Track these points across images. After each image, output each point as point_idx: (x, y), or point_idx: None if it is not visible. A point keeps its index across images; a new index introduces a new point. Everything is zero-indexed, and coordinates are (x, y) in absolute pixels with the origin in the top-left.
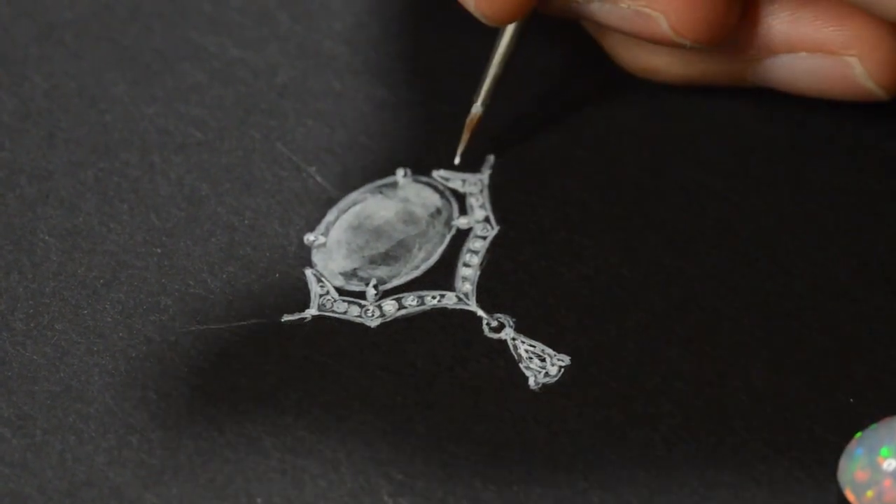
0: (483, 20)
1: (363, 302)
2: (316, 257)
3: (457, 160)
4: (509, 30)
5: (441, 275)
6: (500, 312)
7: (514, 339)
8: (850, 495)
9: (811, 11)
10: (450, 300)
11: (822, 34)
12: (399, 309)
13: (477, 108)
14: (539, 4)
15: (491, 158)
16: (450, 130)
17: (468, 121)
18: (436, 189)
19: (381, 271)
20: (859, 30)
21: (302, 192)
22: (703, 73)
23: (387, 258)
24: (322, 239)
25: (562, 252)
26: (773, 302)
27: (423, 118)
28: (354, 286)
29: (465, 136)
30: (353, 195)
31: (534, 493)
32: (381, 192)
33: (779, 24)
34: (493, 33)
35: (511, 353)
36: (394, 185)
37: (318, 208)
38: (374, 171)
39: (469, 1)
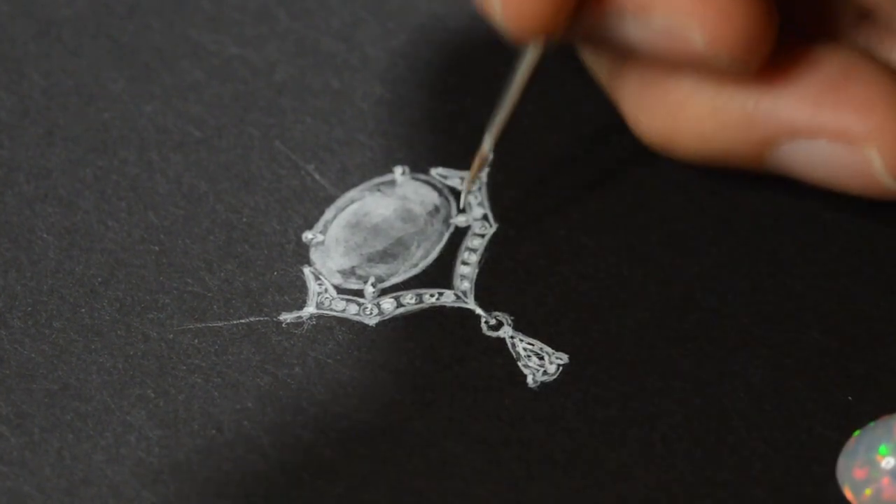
0: (509, 34)
1: (361, 300)
2: (314, 255)
3: (462, 200)
4: (528, 62)
5: (439, 273)
6: (499, 311)
7: (512, 337)
8: (848, 493)
9: (837, 97)
10: (448, 298)
11: (844, 121)
12: (397, 307)
13: (486, 150)
14: (567, 30)
15: (490, 156)
16: (449, 128)
17: (476, 161)
18: (434, 187)
19: (380, 269)
20: (882, 122)
21: (300, 190)
22: (721, 150)
23: (385, 256)
24: (320, 237)
25: (561, 250)
26: (771, 300)
27: (421, 116)
28: (353, 284)
29: (473, 171)
30: (352, 193)
31: (532, 492)
32: (379, 190)
33: (802, 105)
34: (493, 39)
35: (509, 352)
36: (392, 182)
37: (316, 206)
38: (373, 168)
39: (495, 10)
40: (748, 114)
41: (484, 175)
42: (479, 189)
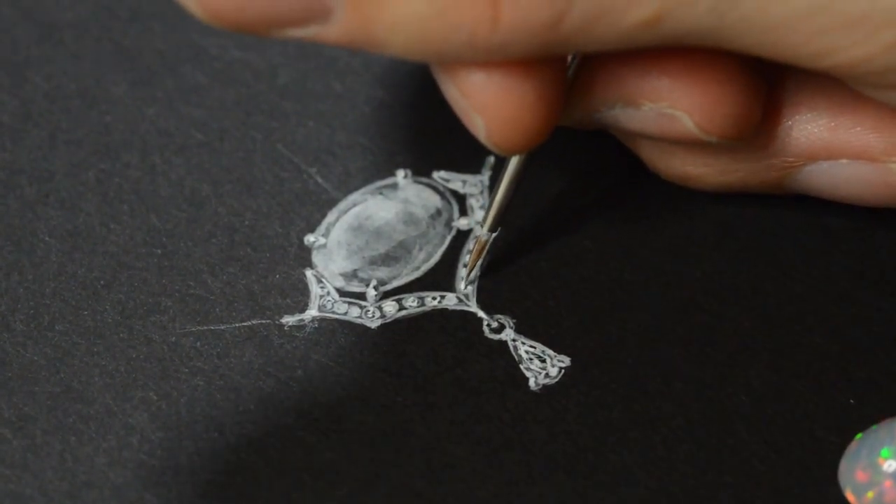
0: (496, 151)
1: (363, 303)
2: (316, 258)
3: (463, 286)
4: (516, 162)
5: (441, 276)
6: (501, 313)
7: (514, 340)
8: (850, 496)
9: (851, 118)
10: (450, 301)
11: (862, 141)
12: (399, 310)
13: (485, 235)
14: (560, 118)
15: (491, 159)
16: (450, 132)
17: (476, 246)
18: (436, 190)
19: (382, 272)
20: None
21: (302, 193)
22: (741, 181)
23: (387, 259)
24: (322, 240)
25: (562, 253)
26: (773, 303)
27: (423, 119)
28: (355, 287)
29: (472, 261)
30: (354, 196)
31: (534, 493)
32: (381, 194)
33: (818, 131)
34: None
35: (511, 354)
36: (394, 186)
37: (318, 209)
38: (375, 172)
39: (480, 132)
40: (764, 150)
41: (486, 178)
42: (482, 192)
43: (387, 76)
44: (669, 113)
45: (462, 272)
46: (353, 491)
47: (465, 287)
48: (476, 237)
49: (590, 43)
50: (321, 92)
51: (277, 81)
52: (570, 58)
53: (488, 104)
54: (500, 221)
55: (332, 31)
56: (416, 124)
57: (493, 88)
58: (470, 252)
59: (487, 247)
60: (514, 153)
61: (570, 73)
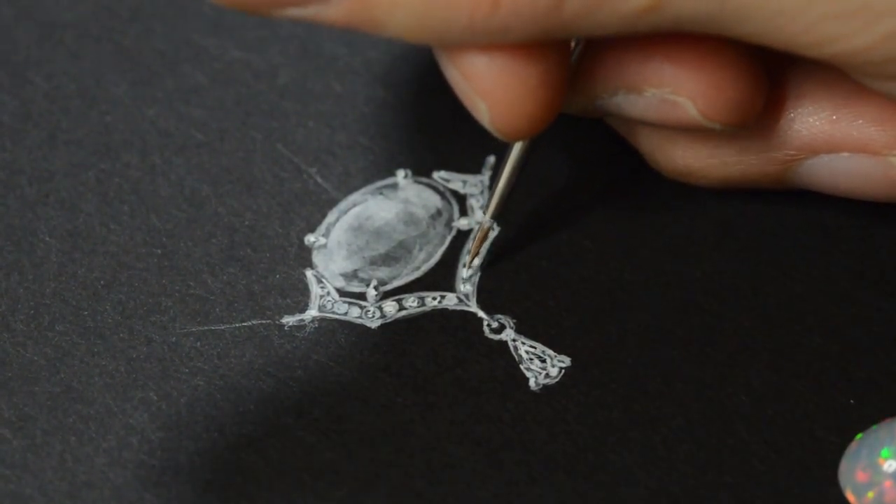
0: (499, 136)
1: (364, 303)
2: (316, 258)
3: (466, 273)
4: (518, 149)
5: (442, 276)
6: (501, 313)
7: (514, 340)
8: (850, 497)
9: (853, 111)
10: (450, 301)
11: (864, 134)
12: (400, 310)
13: (488, 222)
14: (563, 105)
15: (491, 159)
16: (450, 132)
17: (479, 233)
18: (436, 190)
19: (382, 272)
20: None
21: (302, 194)
22: (742, 175)
23: (387, 259)
24: (322, 240)
25: (563, 253)
26: (773, 303)
27: (423, 119)
28: (355, 287)
29: (475, 248)
30: (354, 196)
31: (534, 493)
32: (381, 194)
33: (820, 124)
34: None
35: (511, 355)
36: (394, 186)
37: (318, 209)
38: (375, 172)
39: (483, 117)
40: (766, 142)
41: (486, 178)
42: (482, 192)
43: (387, 76)
44: (672, 99)
45: (463, 272)
46: (353, 491)
47: (466, 277)
48: (478, 223)
49: (591, 28)
50: (321, 92)
51: (277, 81)
52: (573, 43)
53: (491, 88)
54: (503, 209)
55: (331, 10)
56: (416, 124)
57: (496, 72)
58: (470, 252)
59: (490, 237)
60: (517, 139)
61: (574, 58)
